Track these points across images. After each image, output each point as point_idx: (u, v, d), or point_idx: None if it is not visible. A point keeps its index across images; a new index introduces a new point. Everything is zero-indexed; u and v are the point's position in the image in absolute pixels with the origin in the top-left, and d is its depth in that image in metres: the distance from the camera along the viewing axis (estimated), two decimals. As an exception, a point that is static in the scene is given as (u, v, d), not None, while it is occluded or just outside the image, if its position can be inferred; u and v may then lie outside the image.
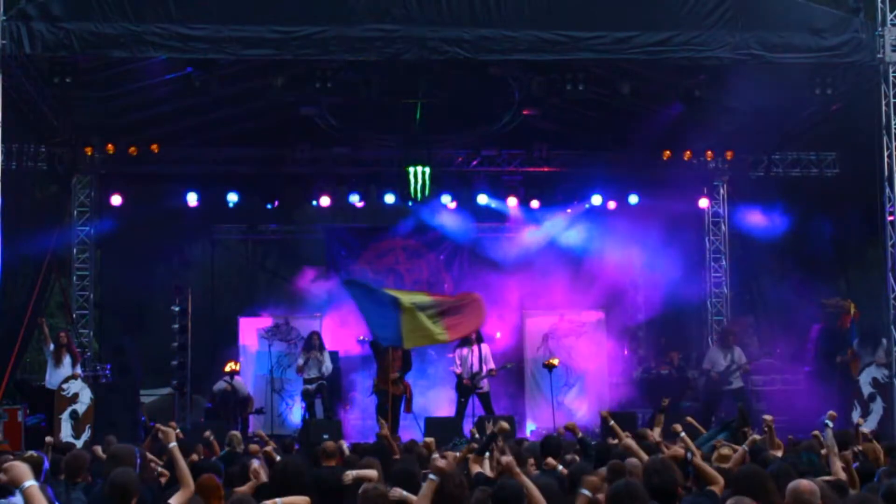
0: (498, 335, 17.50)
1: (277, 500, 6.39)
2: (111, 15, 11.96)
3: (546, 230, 18.78)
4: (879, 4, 12.95)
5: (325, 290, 17.95)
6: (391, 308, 13.83)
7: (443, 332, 14.05)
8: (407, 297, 14.12)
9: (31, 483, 4.38)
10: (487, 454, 7.62)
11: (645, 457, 7.35)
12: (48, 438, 10.23)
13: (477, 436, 10.90)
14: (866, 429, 10.86)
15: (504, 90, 16.30)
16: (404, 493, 6.15)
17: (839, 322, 15.57)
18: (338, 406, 16.63)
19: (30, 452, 7.21)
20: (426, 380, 17.27)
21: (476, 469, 7.50)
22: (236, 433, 10.50)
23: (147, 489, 6.45)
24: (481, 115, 17.28)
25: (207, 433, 10.65)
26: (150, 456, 8.69)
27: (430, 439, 9.53)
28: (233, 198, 18.05)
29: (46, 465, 7.35)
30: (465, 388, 15.58)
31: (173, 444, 6.73)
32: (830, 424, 8.10)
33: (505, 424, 7.94)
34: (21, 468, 4.45)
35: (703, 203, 18.62)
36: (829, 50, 12.88)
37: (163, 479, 7.93)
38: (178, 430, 11.52)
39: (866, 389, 14.04)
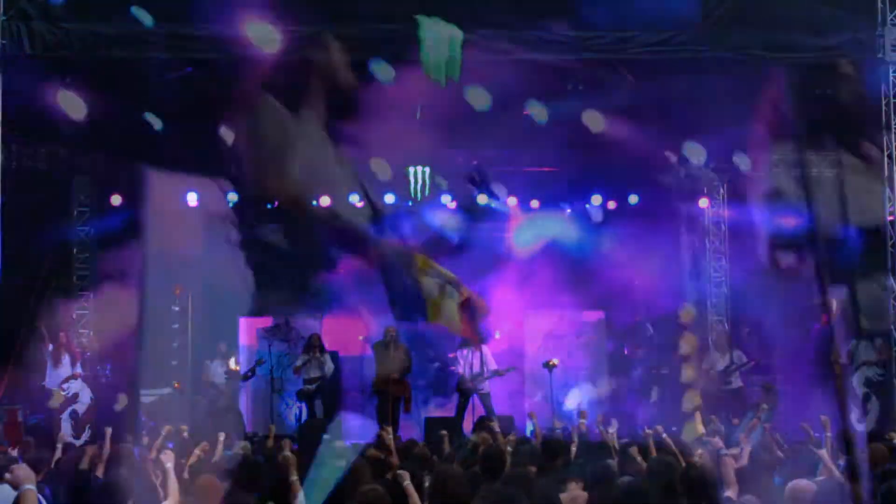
0: (497, 335, 17.49)
1: None
2: (111, 15, 11.97)
3: (546, 230, 18.74)
4: (879, 4, 12.95)
5: (325, 290, 17.92)
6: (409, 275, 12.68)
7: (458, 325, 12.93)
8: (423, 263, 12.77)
9: (29, 487, 4.64)
10: None
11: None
12: (61, 434, 10.18)
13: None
14: (865, 429, 10.86)
15: (504, 90, 16.28)
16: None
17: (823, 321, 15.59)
18: (338, 406, 16.64)
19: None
20: (426, 380, 17.28)
21: None
22: (245, 444, 10.47)
23: (144, 488, 6.47)
24: (482, 114, 17.25)
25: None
26: (149, 456, 8.69)
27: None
28: (233, 198, 18.07)
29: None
30: (466, 388, 15.58)
31: (164, 454, 7.01)
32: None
33: None
34: (26, 471, 4.80)
35: (703, 203, 18.62)
36: (829, 50, 12.87)
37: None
38: (186, 433, 11.60)
39: (860, 391, 14.02)
